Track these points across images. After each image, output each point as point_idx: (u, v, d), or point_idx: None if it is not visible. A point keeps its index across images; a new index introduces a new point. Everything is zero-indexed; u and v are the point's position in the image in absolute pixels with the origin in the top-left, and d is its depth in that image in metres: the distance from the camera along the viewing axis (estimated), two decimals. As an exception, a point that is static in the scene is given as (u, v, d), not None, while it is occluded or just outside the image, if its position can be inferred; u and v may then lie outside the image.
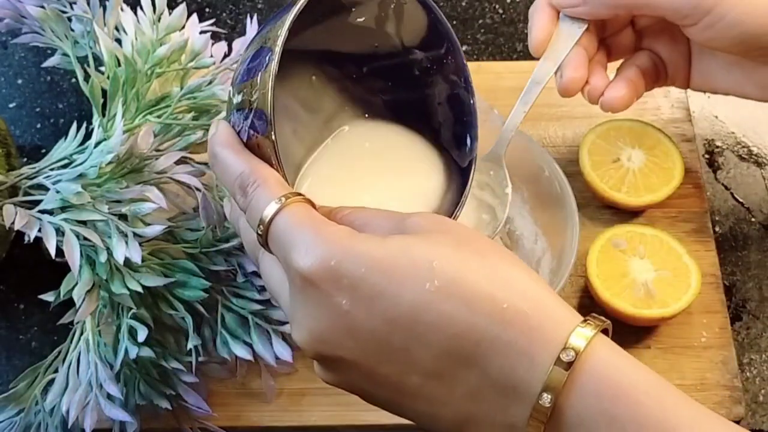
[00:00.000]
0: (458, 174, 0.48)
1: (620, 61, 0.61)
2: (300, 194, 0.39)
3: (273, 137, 0.39)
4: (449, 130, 0.49)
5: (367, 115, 0.50)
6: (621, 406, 0.33)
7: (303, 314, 0.37)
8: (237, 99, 0.41)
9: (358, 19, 0.47)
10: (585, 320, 0.35)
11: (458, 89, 0.47)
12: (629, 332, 0.61)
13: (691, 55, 0.59)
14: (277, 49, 0.39)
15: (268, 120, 0.39)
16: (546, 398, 0.33)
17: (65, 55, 0.61)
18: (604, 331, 0.36)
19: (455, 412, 0.36)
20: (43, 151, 0.72)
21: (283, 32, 0.39)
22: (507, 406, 0.35)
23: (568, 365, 0.33)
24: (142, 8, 0.61)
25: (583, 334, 0.34)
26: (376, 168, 0.48)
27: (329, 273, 0.35)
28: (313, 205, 0.39)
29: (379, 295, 0.35)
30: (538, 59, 0.57)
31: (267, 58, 0.39)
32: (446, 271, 0.35)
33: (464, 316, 0.34)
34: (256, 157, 0.40)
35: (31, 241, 0.51)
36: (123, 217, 0.53)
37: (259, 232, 0.38)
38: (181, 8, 0.60)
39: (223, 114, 0.48)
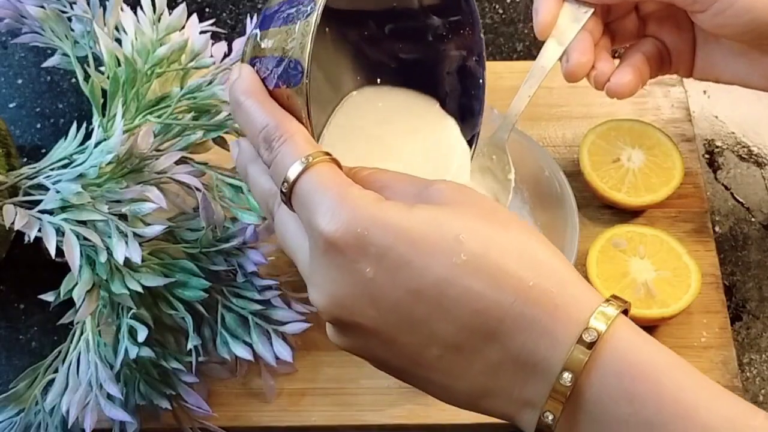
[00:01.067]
0: None
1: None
2: (327, 153, 0.37)
3: (306, 91, 0.37)
4: (455, 101, 0.48)
5: (378, 81, 0.49)
6: (640, 385, 0.33)
7: (324, 278, 0.36)
8: (267, 44, 0.39)
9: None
10: (607, 300, 0.35)
11: (470, 61, 0.47)
12: (629, 332, 0.61)
13: (695, 43, 0.59)
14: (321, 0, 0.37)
15: (304, 72, 0.37)
16: (567, 377, 0.33)
17: (65, 55, 0.61)
18: (624, 312, 0.36)
19: (471, 386, 0.36)
20: (43, 151, 0.72)
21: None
22: (525, 382, 0.35)
23: (590, 345, 0.33)
24: (142, 8, 0.61)
25: (605, 314, 0.34)
26: (392, 130, 0.47)
27: (356, 240, 0.34)
28: (339, 165, 0.38)
29: (405, 265, 0.34)
30: (542, 43, 0.56)
31: (309, 6, 0.37)
32: (474, 245, 0.34)
33: (490, 292, 0.34)
34: (282, 109, 0.39)
35: (31, 241, 0.51)
36: (123, 217, 0.53)
37: (283, 190, 0.37)
38: (181, 8, 0.60)
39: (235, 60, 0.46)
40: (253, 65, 0.40)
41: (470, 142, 0.47)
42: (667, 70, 0.60)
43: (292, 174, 0.37)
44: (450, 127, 0.48)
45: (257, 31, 0.40)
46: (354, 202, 0.35)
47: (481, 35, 0.46)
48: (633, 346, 0.34)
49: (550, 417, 0.34)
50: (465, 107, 0.47)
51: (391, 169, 0.40)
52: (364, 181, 0.38)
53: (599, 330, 0.33)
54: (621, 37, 0.60)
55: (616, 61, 0.59)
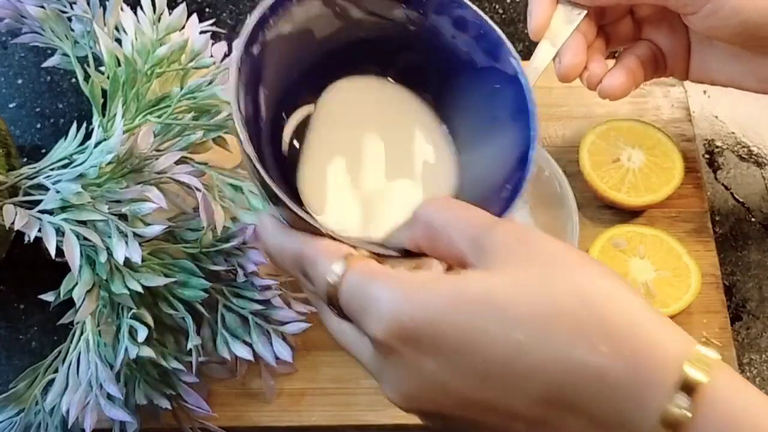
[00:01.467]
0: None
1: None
2: (353, 251, 0.36)
3: (296, 211, 0.36)
4: (478, 49, 0.44)
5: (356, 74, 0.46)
6: None
7: (390, 377, 0.35)
8: (259, 194, 0.40)
9: (323, 32, 0.44)
10: (699, 345, 0.32)
11: (456, 11, 0.44)
12: (629, 332, 0.61)
13: (690, 46, 0.59)
14: (249, 151, 0.36)
15: (282, 203, 0.36)
16: None
17: (65, 55, 0.61)
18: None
19: None
20: (43, 151, 0.72)
21: (241, 132, 0.37)
22: None
23: (688, 392, 0.30)
24: (142, 8, 0.61)
25: (699, 362, 0.31)
26: (379, 129, 0.45)
27: (406, 336, 0.32)
28: (374, 257, 0.36)
29: (465, 351, 0.32)
30: (536, 44, 0.56)
31: (247, 159, 0.37)
32: (537, 316, 0.32)
33: (561, 364, 0.31)
34: (302, 234, 0.38)
35: (31, 241, 0.51)
36: (123, 217, 0.53)
37: (333, 310, 0.36)
38: (181, 8, 0.60)
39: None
40: (269, 212, 0.40)
41: (516, 78, 0.42)
42: (663, 73, 0.61)
43: (330, 290, 0.35)
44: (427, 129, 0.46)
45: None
46: (395, 295, 0.33)
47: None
48: (732, 395, 0.31)
49: None
50: (489, 48, 0.43)
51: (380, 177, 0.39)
52: (420, 224, 0.36)
53: (693, 385, 0.30)
54: (616, 40, 0.60)
55: (611, 62, 0.59)
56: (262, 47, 0.41)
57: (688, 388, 0.30)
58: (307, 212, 0.38)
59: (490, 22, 0.43)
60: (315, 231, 0.37)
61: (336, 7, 0.43)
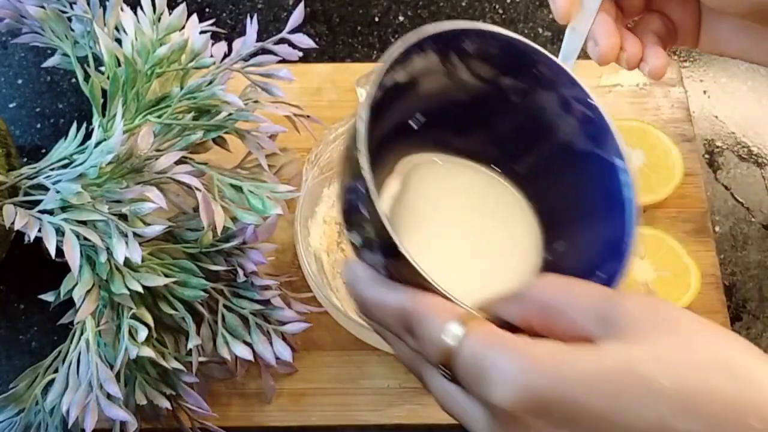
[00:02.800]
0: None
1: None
2: (473, 312, 0.34)
3: (410, 260, 0.33)
4: (581, 132, 0.42)
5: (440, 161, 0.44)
6: None
7: None
8: (356, 238, 0.36)
9: (428, 87, 0.41)
10: None
11: (565, 90, 0.42)
12: (629, 332, 0.61)
13: (701, 16, 0.59)
14: (369, 181, 0.33)
15: (395, 248, 0.33)
16: None
17: (65, 55, 0.61)
18: None
19: None
20: (43, 151, 0.72)
21: (363, 162, 0.34)
22: None
23: None
24: (142, 8, 0.61)
25: None
26: (468, 221, 0.43)
27: (535, 406, 0.30)
28: (494, 320, 0.34)
29: (602, 425, 0.30)
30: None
31: (362, 187, 0.34)
32: (680, 389, 0.30)
33: None
34: (408, 287, 0.35)
35: (31, 241, 0.51)
36: (123, 217, 0.53)
37: (446, 373, 0.33)
38: (181, 8, 0.60)
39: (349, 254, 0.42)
40: (362, 259, 0.37)
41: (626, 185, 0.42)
42: (673, 43, 0.60)
43: (445, 349, 0.33)
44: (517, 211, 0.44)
45: (344, 228, 0.38)
46: (527, 361, 0.31)
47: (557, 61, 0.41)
48: None
49: None
50: (594, 135, 0.42)
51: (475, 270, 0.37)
52: (531, 305, 0.34)
53: None
54: (628, 12, 0.60)
55: None
56: (386, 89, 0.38)
57: None
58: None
59: (602, 108, 0.41)
60: (426, 287, 0.34)
61: (448, 64, 0.41)
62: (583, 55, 0.79)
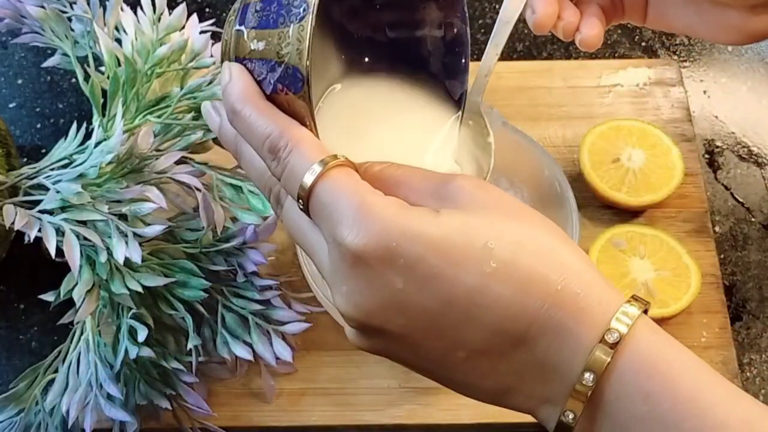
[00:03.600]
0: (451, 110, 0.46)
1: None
2: (339, 157, 0.36)
3: (309, 97, 0.35)
4: (439, 60, 0.47)
5: (366, 59, 0.46)
6: (656, 383, 0.33)
7: (350, 287, 0.35)
8: (257, 45, 0.36)
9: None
10: (628, 300, 0.35)
11: (452, 18, 0.45)
12: (629, 332, 0.61)
13: None
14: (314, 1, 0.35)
15: (304, 79, 0.35)
16: (588, 378, 0.33)
17: (65, 55, 0.61)
18: (645, 311, 0.36)
19: (495, 385, 0.36)
20: (43, 151, 0.72)
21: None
22: (548, 382, 0.35)
23: (612, 346, 0.33)
24: (142, 8, 0.61)
25: (626, 315, 0.34)
26: (381, 122, 0.45)
27: (385, 252, 0.34)
28: (354, 167, 0.36)
29: (436, 276, 0.34)
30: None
31: (301, 8, 0.35)
32: (503, 252, 0.34)
33: (519, 298, 0.34)
34: (284, 115, 0.37)
35: (31, 241, 0.51)
36: (123, 217, 0.53)
37: (300, 204, 0.36)
38: (181, 8, 0.60)
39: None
40: (244, 65, 0.38)
41: (459, 101, 0.46)
42: (620, 18, 0.61)
43: (306, 182, 0.35)
44: (431, 110, 0.47)
45: (242, 28, 0.38)
46: (379, 212, 0.34)
47: None
48: (651, 345, 0.34)
49: (571, 416, 0.34)
50: (450, 66, 0.46)
51: (370, 149, 0.40)
52: (377, 178, 0.37)
53: (621, 331, 0.34)
54: None
55: None
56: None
57: (615, 335, 0.34)
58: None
59: (470, 47, 0.46)
60: (307, 125, 0.36)
61: None
62: (585, 55, 0.79)
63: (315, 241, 0.37)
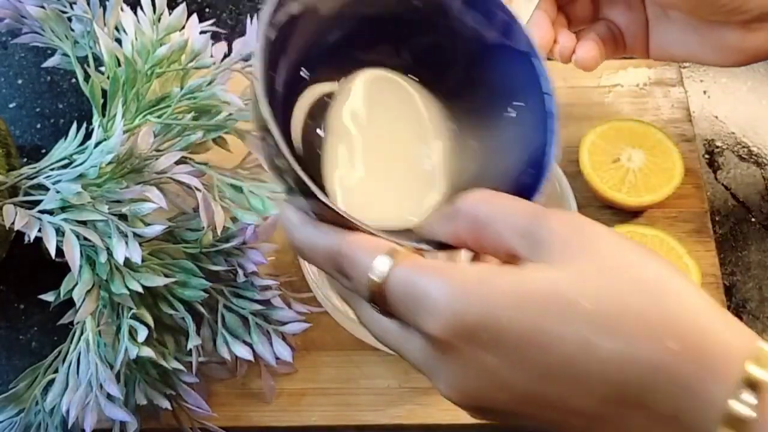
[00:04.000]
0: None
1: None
2: (397, 246, 0.34)
3: (330, 205, 0.34)
4: (488, 29, 0.41)
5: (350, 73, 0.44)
6: None
7: (446, 373, 0.34)
8: (280, 185, 0.37)
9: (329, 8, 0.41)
10: (762, 342, 0.31)
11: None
12: (629, 332, 0.61)
13: (648, 23, 0.60)
14: (275, 134, 0.34)
15: (313, 195, 0.34)
16: None
17: (65, 55, 0.61)
18: None
19: None
20: (43, 151, 0.72)
21: (265, 114, 0.34)
22: None
23: (750, 404, 0.30)
24: (142, 8, 0.61)
25: (765, 360, 0.30)
26: (394, 128, 0.43)
27: (465, 331, 0.31)
28: (419, 251, 0.35)
29: (527, 347, 0.31)
30: None
31: (271, 141, 0.34)
32: (600, 309, 0.31)
33: (625, 359, 0.31)
34: (335, 228, 0.35)
35: (31, 241, 0.51)
36: (123, 217, 0.53)
37: (375, 300, 0.34)
38: (181, 8, 0.60)
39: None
40: (291, 204, 0.38)
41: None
42: (623, 52, 0.61)
43: (374, 288, 0.33)
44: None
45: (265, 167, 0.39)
46: (452, 288, 0.32)
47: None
48: None
49: None
50: (504, 25, 0.41)
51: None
52: (463, 219, 0.35)
53: (757, 382, 0.30)
54: (575, 20, 0.61)
55: None
56: (281, 24, 0.38)
57: (752, 385, 0.30)
58: (335, 206, 0.36)
59: (504, 2, 0.40)
60: (350, 226, 0.35)
61: None
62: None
63: (400, 336, 0.35)
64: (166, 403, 0.55)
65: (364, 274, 0.34)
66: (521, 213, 0.34)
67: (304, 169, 0.35)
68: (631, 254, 0.33)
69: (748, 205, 0.69)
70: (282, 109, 0.39)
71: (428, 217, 0.38)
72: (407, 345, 0.35)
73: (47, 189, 0.54)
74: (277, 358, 0.57)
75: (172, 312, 0.55)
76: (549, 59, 0.59)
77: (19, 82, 0.76)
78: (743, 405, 0.30)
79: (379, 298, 0.34)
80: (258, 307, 0.57)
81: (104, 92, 0.57)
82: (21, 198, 0.55)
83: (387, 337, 0.36)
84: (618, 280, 0.32)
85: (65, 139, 0.58)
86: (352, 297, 0.37)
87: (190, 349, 0.55)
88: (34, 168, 0.57)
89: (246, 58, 0.59)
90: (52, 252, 0.51)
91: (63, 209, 0.52)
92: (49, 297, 0.54)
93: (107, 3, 0.60)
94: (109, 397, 0.52)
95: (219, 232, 0.55)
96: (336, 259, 0.35)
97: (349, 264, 0.34)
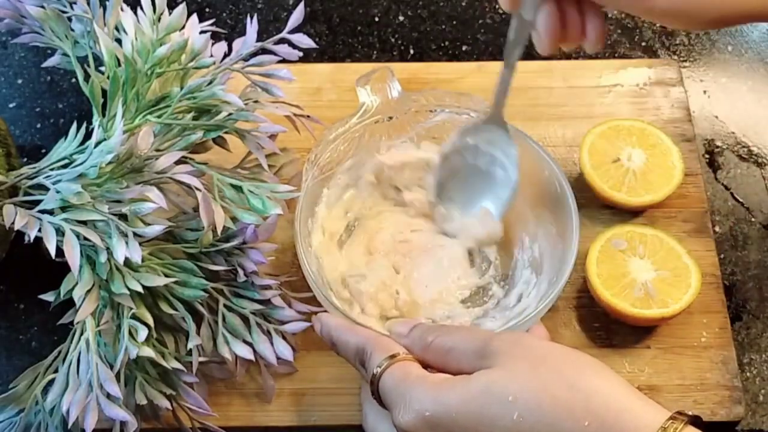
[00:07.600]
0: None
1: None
2: (401, 351, 0.47)
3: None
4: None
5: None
6: None
7: None
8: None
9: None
10: (671, 418, 0.38)
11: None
12: (629, 332, 0.61)
13: None
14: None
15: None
16: None
17: (65, 55, 0.61)
18: (696, 421, 0.38)
19: None
20: (43, 151, 0.72)
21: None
22: None
23: None
24: (142, 8, 0.61)
25: (671, 429, 0.37)
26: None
27: (425, 424, 0.42)
28: (415, 359, 0.47)
29: (473, 429, 0.41)
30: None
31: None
32: (527, 400, 0.40)
33: None
34: (366, 331, 0.50)
35: (31, 241, 0.51)
36: (123, 217, 0.53)
37: (373, 392, 0.46)
38: (181, 8, 0.60)
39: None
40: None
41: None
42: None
43: (374, 377, 0.46)
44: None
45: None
46: (420, 393, 0.43)
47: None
48: None
49: None
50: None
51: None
52: (432, 350, 0.46)
53: None
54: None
55: None
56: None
57: None
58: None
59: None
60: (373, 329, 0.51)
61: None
62: (585, 55, 0.79)
63: (378, 419, 0.49)
64: (166, 403, 0.55)
65: (370, 370, 0.47)
66: (475, 338, 0.45)
67: None
68: (558, 354, 0.42)
69: (748, 205, 0.69)
70: None
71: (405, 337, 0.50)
72: (381, 426, 0.49)
73: (47, 189, 0.54)
74: (278, 358, 0.57)
75: (172, 312, 0.55)
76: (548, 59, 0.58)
77: (19, 81, 0.76)
78: None
79: (373, 387, 0.46)
80: (258, 306, 0.57)
81: (104, 92, 0.57)
82: (21, 198, 0.55)
83: (368, 413, 0.50)
84: (542, 372, 0.40)
85: (65, 138, 0.58)
86: (365, 388, 0.49)
87: (190, 349, 0.55)
88: (34, 168, 0.57)
89: (246, 58, 0.59)
90: (52, 252, 0.51)
91: (63, 209, 0.52)
92: (49, 297, 0.54)
93: (107, 3, 0.60)
94: (109, 396, 0.52)
95: (219, 231, 0.55)
96: (361, 354, 0.48)
97: (367, 360, 0.47)
